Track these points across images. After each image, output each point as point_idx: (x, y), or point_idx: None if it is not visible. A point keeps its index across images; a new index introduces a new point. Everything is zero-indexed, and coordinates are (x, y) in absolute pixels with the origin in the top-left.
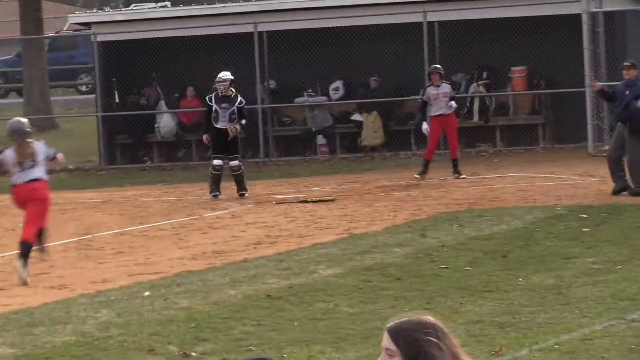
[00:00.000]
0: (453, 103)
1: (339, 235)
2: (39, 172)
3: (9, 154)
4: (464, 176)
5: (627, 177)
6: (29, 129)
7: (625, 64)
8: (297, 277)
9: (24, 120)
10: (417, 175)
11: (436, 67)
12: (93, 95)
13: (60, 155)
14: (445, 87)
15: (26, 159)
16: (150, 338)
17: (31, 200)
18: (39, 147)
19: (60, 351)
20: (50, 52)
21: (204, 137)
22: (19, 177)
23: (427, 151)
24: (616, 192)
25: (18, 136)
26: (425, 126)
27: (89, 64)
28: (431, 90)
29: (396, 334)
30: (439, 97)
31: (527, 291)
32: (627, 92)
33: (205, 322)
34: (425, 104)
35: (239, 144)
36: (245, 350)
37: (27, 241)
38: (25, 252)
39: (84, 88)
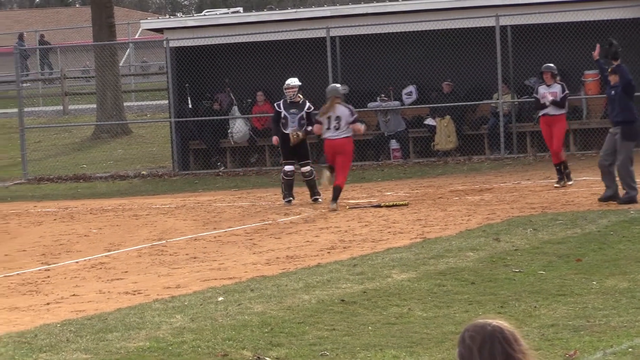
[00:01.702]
0: (548, 98)
1: (413, 240)
2: (345, 132)
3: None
4: (570, 182)
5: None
6: (342, 92)
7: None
8: (371, 282)
9: (339, 85)
10: (556, 185)
11: (549, 66)
12: (166, 101)
13: (358, 125)
14: (556, 87)
15: (328, 113)
16: (224, 343)
17: (340, 153)
18: (344, 112)
19: (134, 357)
20: None
21: (274, 139)
22: (331, 134)
23: (552, 155)
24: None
25: (332, 95)
26: None
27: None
28: (541, 89)
29: (469, 339)
30: (547, 95)
31: (601, 295)
32: (613, 92)
33: (279, 327)
34: (539, 102)
35: (308, 149)
36: (319, 355)
37: (339, 186)
38: (336, 195)
39: None
